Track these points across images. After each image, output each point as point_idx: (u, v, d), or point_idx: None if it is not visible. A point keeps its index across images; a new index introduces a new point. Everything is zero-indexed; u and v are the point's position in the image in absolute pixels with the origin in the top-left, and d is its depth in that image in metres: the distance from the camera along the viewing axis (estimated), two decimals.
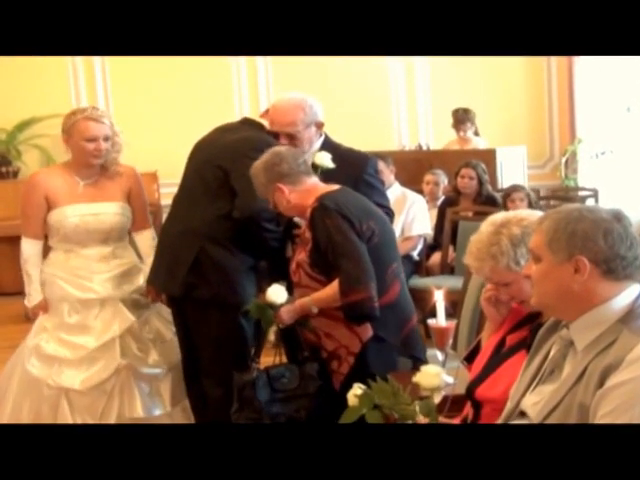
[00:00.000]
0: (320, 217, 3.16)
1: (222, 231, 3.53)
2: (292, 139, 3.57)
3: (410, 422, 2.22)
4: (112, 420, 3.64)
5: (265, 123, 3.66)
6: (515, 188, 6.01)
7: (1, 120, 8.03)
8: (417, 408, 2.23)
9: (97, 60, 8.31)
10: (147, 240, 3.91)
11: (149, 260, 3.85)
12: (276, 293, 3.25)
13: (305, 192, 3.25)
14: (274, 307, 3.25)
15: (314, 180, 3.32)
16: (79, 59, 8.31)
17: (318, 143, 3.67)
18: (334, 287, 3.14)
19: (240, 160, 3.48)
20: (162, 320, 3.88)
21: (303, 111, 3.58)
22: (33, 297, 3.68)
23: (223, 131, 3.73)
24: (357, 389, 2.35)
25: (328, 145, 3.68)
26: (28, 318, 3.77)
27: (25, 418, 3.61)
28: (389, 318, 3.26)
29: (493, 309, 2.54)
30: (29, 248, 3.68)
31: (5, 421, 3.61)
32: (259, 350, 3.44)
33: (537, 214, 2.31)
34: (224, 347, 3.55)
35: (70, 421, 3.60)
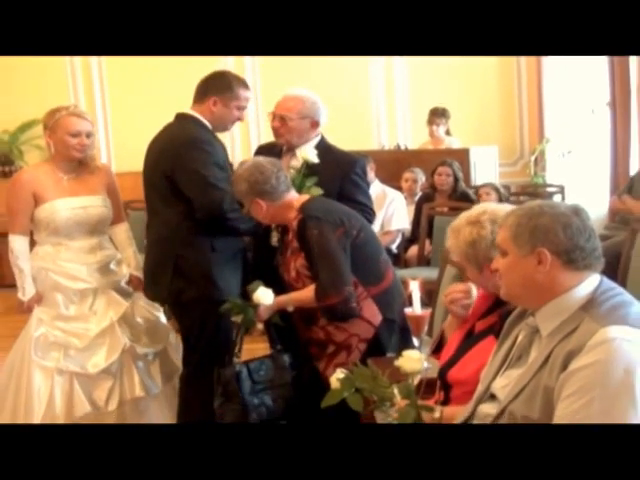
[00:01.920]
0: (304, 228, 3.18)
1: (189, 232, 3.47)
2: (283, 122, 3.59)
3: (388, 404, 2.23)
4: (115, 402, 3.63)
5: (197, 115, 3.57)
6: (485, 184, 6.27)
7: (4, 122, 8.03)
8: (395, 391, 2.24)
9: (94, 62, 8.29)
10: (123, 232, 3.90)
11: (127, 251, 3.86)
12: (264, 296, 3.24)
13: (283, 205, 3.25)
14: (254, 306, 3.27)
15: (292, 194, 3.30)
16: (78, 63, 8.30)
17: (314, 142, 3.66)
18: (312, 290, 3.18)
19: (176, 162, 3.44)
20: (145, 306, 3.86)
21: (303, 103, 3.61)
22: (27, 291, 3.60)
23: (161, 133, 3.66)
24: (339, 373, 2.37)
25: (322, 145, 3.67)
26: (21, 311, 3.68)
27: (40, 408, 3.54)
28: (392, 299, 3.31)
29: (456, 308, 2.59)
30: (19, 244, 3.60)
31: (22, 413, 3.56)
32: (240, 345, 3.43)
33: (499, 214, 2.34)
34: (215, 341, 3.53)
35: (86, 405, 3.57)
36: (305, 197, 3.32)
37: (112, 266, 3.76)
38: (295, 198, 3.29)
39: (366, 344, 3.25)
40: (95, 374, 3.59)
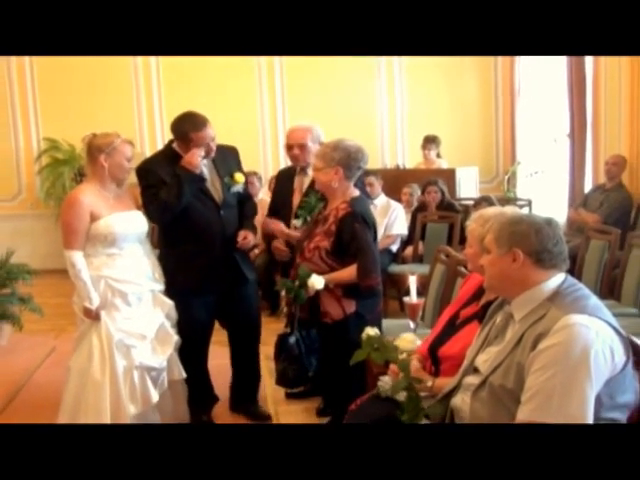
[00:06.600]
0: (351, 221, 3.22)
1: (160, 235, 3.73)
2: (302, 149, 3.80)
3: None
4: (165, 386, 3.49)
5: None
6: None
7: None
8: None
9: (153, 70, 8.24)
10: (146, 243, 3.67)
11: (152, 258, 3.70)
12: (317, 281, 3.22)
13: (344, 188, 3.29)
14: (305, 287, 3.26)
15: (352, 186, 3.35)
16: (142, 88, 8.26)
17: None
18: (350, 273, 3.22)
19: None
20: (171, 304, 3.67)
21: (310, 132, 3.84)
22: (94, 299, 3.29)
23: None
24: (370, 330, 2.46)
25: None
26: (90, 317, 3.33)
27: (124, 399, 3.32)
28: (369, 301, 3.32)
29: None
30: (80, 259, 3.28)
31: (113, 409, 3.29)
32: (295, 318, 3.39)
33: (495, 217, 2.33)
34: (182, 328, 3.58)
35: (152, 393, 3.39)
36: (355, 192, 3.35)
37: (154, 272, 3.56)
38: (351, 189, 3.34)
39: (332, 323, 3.29)
40: (159, 365, 3.45)
